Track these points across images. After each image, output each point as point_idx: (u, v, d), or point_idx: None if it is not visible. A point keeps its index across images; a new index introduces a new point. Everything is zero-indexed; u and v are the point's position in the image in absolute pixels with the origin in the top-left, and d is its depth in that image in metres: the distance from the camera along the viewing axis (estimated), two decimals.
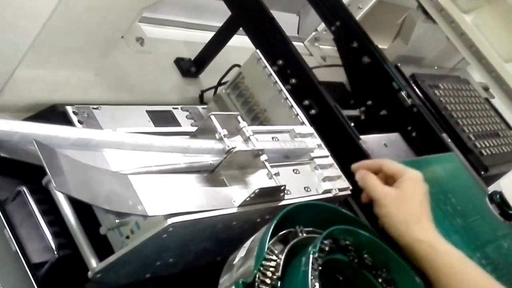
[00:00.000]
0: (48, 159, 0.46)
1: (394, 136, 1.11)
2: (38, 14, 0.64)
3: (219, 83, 1.06)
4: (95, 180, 0.51)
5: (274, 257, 0.58)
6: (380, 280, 0.65)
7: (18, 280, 0.67)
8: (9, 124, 0.47)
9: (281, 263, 0.58)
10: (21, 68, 0.74)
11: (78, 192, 0.47)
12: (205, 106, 0.96)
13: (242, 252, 0.60)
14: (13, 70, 0.71)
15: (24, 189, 0.66)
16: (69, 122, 0.72)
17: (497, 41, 0.94)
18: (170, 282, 0.70)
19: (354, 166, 0.78)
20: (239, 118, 0.69)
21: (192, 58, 1.15)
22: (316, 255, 0.57)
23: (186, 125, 0.89)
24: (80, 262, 0.64)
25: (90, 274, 0.60)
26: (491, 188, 0.99)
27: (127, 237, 0.62)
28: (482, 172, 1.17)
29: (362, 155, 0.91)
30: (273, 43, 1.00)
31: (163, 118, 0.86)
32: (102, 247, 0.65)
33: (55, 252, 0.65)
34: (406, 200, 0.72)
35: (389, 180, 0.76)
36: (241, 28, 1.07)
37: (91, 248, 0.61)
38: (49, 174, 0.46)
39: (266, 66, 0.89)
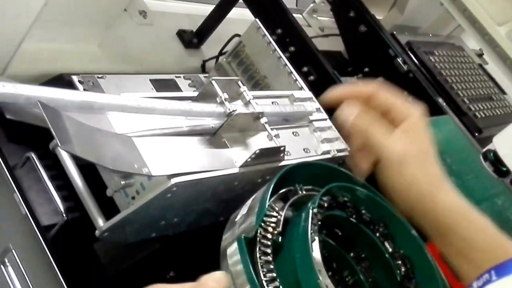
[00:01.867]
0: (53, 120, 0.45)
1: None
2: None
3: (220, 53, 1.05)
4: (101, 141, 0.50)
5: (274, 214, 0.57)
6: (377, 235, 0.64)
7: (28, 242, 0.67)
8: (14, 87, 0.46)
9: (282, 219, 0.57)
10: (27, 41, 0.73)
11: (84, 152, 0.47)
12: (206, 75, 0.95)
13: (243, 210, 0.59)
14: (20, 42, 0.70)
15: (33, 155, 0.66)
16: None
17: (490, 5, 0.92)
18: (175, 241, 0.70)
19: (331, 94, 0.58)
20: (239, 83, 0.68)
21: (194, 30, 1.14)
22: (316, 210, 0.56)
23: (189, 92, 0.88)
24: (88, 224, 0.64)
25: (97, 232, 0.59)
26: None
27: (133, 198, 0.61)
28: (476, 134, 1.16)
29: None
30: (271, 13, 0.99)
31: (166, 86, 0.85)
32: (109, 209, 0.65)
33: (64, 215, 0.65)
34: (428, 155, 0.56)
35: (382, 116, 0.59)
36: (240, 1, 1.06)
37: (98, 209, 0.61)
38: (53, 133, 0.45)
39: (265, 35, 0.88)
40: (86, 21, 0.84)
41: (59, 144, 0.44)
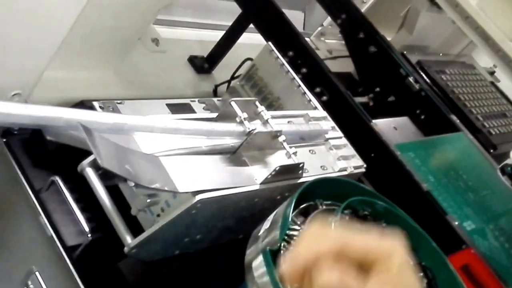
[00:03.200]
0: (92, 141, 0.50)
1: (403, 120, 1.14)
2: (68, 13, 0.68)
3: (232, 77, 1.09)
4: (131, 160, 0.54)
5: (297, 227, 0.61)
6: None
7: (53, 263, 0.70)
8: (55, 110, 0.51)
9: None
10: (49, 70, 0.78)
11: (122, 170, 0.51)
12: (220, 99, 1.00)
13: (266, 225, 0.63)
14: (43, 71, 0.75)
15: (58, 178, 0.70)
16: None
17: (502, 21, 0.96)
18: (197, 258, 0.73)
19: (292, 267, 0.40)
20: (257, 103, 0.73)
21: (205, 56, 1.19)
22: (337, 223, 0.59)
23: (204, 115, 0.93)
24: (112, 243, 0.67)
25: (126, 249, 0.63)
26: None
27: (158, 215, 0.65)
28: (491, 150, 1.20)
29: (374, 135, 0.94)
30: (283, 36, 1.03)
31: (181, 110, 0.90)
32: (132, 229, 0.68)
33: (89, 235, 0.68)
34: None
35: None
36: (250, 26, 1.11)
37: (126, 227, 0.64)
38: (95, 153, 0.49)
39: (278, 57, 0.93)
40: (103, 50, 0.89)
41: (102, 163, 0.48)
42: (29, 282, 0.74)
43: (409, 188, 0.91)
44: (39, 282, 0.73)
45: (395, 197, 0.89)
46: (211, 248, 0.75)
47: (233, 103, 0.68)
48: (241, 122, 0.68)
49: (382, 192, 0.92)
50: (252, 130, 0.67)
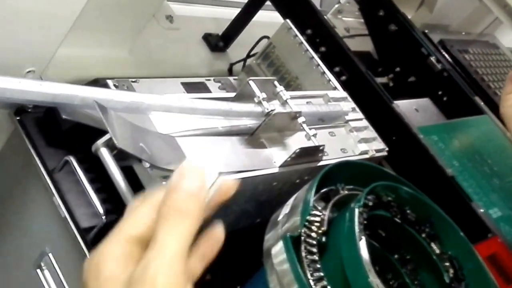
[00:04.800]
0: (108, 120, 0.49)
1: (425, 101, 1.12)
2: None
3: (248, 55, 1.08)
4: (147, 140, 0.53)
5: (318, 213, 0.60)
6: (423, 235, 0.65)
7: (66, 245, 0.70)
8: (70, 88, 0.49)
9: (326, 218, 0.59)
10: (62, 47, 0.77)
11: (137, 151, 0.50)
12: (236, 77, 0.98)
13: (286, 209, 0.62)
14: (56, 48, 0.74)
15: (71, 158, 0.69)
16: None
17: None
18: None
19: None
20: (275, 83, 0.71)
21: (220, 34, 1.17)
22: (361, 209, 0.58)
23: (219, 94, 0.91)
24: None
25: None
26: None
27: None
28: None
29: (396, 117, 0.92)
30: (301, 14, 1.01)
31: (196, 89, 0.88)
32: None
33: (103, 217, 0.68)
34: None
35: None
36: (266, 3, 1.09)
37: None
38: (110, 132, 0.48)
39: (296, 35, 0.91)
40: (117, 28, 0.88)
41: (118, 144, 0.47)
42: (42, 264, 0.74)
43: (432, 173, 0.89)
44: (52, 263, 0.72)
45: (417, 182, 0.87)
46: (228, 232, 0.73)
47: (251, 83, 0.67)
48: (259, 103, 0.66)
49: (404, 176, 0.90)
50: (271, 110, 0.66)
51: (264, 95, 0.67)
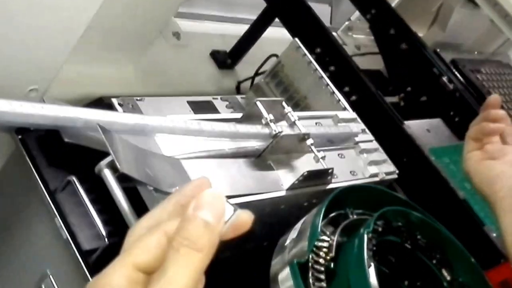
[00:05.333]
0: (111, 143, 0.48)
1: (436, 122, 1.11)
2: (86, 8, 0.66)
3: (256, 73, 1.07)
4: (151, 163, 0.52)
5: (326, 238, 0.59)
6: (434, 262, 0.65)
7: (69, 267, 0.69)
8: (73, 110, 0.49)
9: (334, 243, 0.58)
10: (67, 65, 0.76)
11: (141, 175, 0.49)
12: (243, 96, 0.97)
13: (293, 234, 0.61)
14: (62, 64, 0.74)
15: (74, 178, 0.68)
16: None
17: None
18: (217, 266, 0.71)
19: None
20: (283, 103, 0.70)
21: (228, 51, 1.17)
22: (370, 235, 0.57)
23: (226, 114, 0.91)
24: None
25: None
26: None
27: None
28: None
29: (407, 138, 0.91)
30: (310, 32, 1.01)
31: (203, 108, 0.88)
32: None
33: (106, 239, 0.66)
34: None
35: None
36: (275, 20, 1.09)
37: None
38: (113, 156, 0.47)
39: (305, 54, 0.90)
40: (123, 45, 0.88)
41: (121, 169, 0.46)
42: (43, 286, 0.73)
43: (444, 196, 0.88)
44: (53, 285, 0.71)
45: (428, 205, 0.86)
46: (233, 255, 0.72)
47: (258, 103, 0.66)
48: (267, 124, 0.66)
49: (415, 199, 0.89)
50: (279, 132, 0.65)
51: (271, 116, 0.66)
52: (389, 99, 1.12)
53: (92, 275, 0.67)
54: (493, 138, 0.72)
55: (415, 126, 1.02)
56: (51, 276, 0.71)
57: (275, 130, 0.65)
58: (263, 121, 0.66)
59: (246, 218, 0.37)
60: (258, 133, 0.66)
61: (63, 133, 0.50)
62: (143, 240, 0.37)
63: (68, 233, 0.68)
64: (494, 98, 0.74)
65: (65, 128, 0.50)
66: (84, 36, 0.72)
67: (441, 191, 0.89)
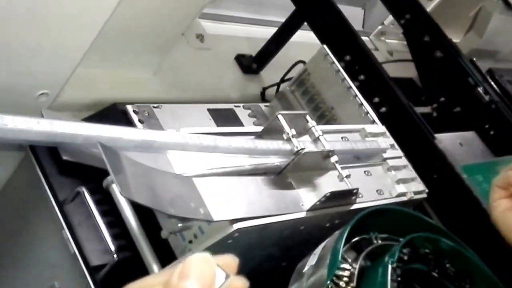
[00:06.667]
0: (113, 163, 0.45)
1: (470, 135, 1.06)
2: (99, 12, 0.63)
3: (282, 80, 1.03)
4: (159, 183, 0.49)
5: (347, 266, 0.55)
6: None
7: (76, 282, 0.66)
8: (72, 126, 0.46)
9: (356, 272, 0.54)
10: (81, 67, 0.74)
11: (142, 197, 0.46)
12: (267, 104, 0.94)
13: (312, 260, 0.57)
14: (74, 69, 0.71)
15: (84, 189, 0.66)
16: (130, 121, 0.71)
17: None
18: None
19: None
20: (307, 117, 0.66)
21: (253, 55, 1.13)
22: (395, 265, 0.53)
23: (249, 124, 0.87)
24: (140, 265, 0.63)
25: None
26: None
27: (190, 242, 0.60)
28: None
29: (438, 155, 0.87)
30: (340, 38, 0.97)
31: (224, 116, 0.84)
32: (163, 251, 0.63)
33: (115, 255, 0.64)
34: None
35: None
36: (303, 23, 1.05)
37: (153, 252, 0.59)
38: (114, 179, 0.44)
39: (333, 62, 0.86)
40: (142, 47, 0.85)
41: (121, 192, 0.43)
42: None
43: (475, 217, 0.83)
44: None
45: (458, 227, 0.82)
46: (249, 276, 0.69)
47: (280, 117, 0.62)
48: (288, 139, 0.62)
49: (444, 220, 0.85)
50: (301, 149, 0.61)
51: (293, 131, 0.62)
52: (421, 110, 1.08)
53: None
54: None
55: (447, 140, 0.97)
56: None
57: (297, 147, 0.62)
58: (285, 136, 0.62)
59: (240, 287, 0.33)
60: (279, 150, 0.62)
61: (61, 150, 0.47)
62: None
63: (76, 246, 0.66)
64: None
65: (64, 145, 0.47)
66: (99, 38, 0.69)
67: (473, 211, 0.84)
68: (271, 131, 0.64)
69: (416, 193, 0.75)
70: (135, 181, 0.47)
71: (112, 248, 0.64)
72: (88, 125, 0.47)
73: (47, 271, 0.71)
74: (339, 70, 0.85)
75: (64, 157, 0.48)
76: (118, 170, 0.45)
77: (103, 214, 0.67)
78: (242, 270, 0.66)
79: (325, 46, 0.87)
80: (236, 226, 0.54)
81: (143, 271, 0.62)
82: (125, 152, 0.49)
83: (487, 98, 1.04)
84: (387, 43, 1.52)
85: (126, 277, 0.66)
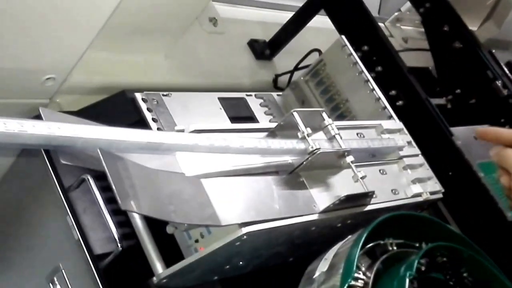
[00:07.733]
0: (114, 170, 0.41)
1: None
2: None
3: (296, 68, 0.99)
4: (164, 188, 0.46)
5: (361, 275, 0.51)
6: None
7: (80, 267, 0.64)
8: (72, 128, 0.41)
9: (370, 282, 0.51)
10: (91, 50, 0.70)
11: (144, 207, 0.42)
12: (280, 93, 0.89)
13: (323, 266, 0.54)
14: (83, 53, 0.67)
15: (89, 176, 0.62)
16: (138, 110, 0.68)
17: None
18: (238, 282, 0.64)
19: (480, 131, 0.64)
20: (323, 114, 0.62)
21: (267, 40, 1.08)
22: (412, 277, 0.49)
23: (260, 113, 0.83)
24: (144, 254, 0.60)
25: (155, 279, 0.55)
26: None
27: (196, 241, 0.57)
28: None
29: (455, 152, 0.83)
30: (358, 27, 0.92)
31: (235, 106, 0.80)
32: (168, 246, 0.60)
33: (119, 244, 0.61)
34: None
35: None
36: (320, 10, 1.00)
37: (157, 251, 0.56)
38: (114, 191, 0.41)
39: (351, 54, 0.82)
40: (155, 29, 0.80)
41: (121, 206, 0.40)
42: (55, 278, 0.68)
43: (491, 216, 0.80)
44: (65, 279, 0.66)
45: (473, 227, 0.78)
46: (256, 270, 0.66)
47: (295, 114, 0.58)
48: (303, 138, 0.58)
49: (459, 219, 0.82)
50: (316, 149, 0.57)
51: (309, 130, 0.58)
52: (436, 101, 1.04)
53: (102, 281, 0.62)
54: None
55: (461, 133, 0.93)
56: (63, 271, 0.67)
57: (312, 147, 0.57)
58: (299, 135, 0.58)
59: None
60: (293, 149, 0.58)
61: (60, 153, 0.43)
62: None
63: (80, 234, 0.63)
64: None
65: (63, 148, 0.43)
66: (111, 21, 0.65)
67: (489, 211, 0.81)
68: (285, 127, 0.60)
69: (432, 193, 0.71)
70: (138, 188, 0.43)
71: (116, 236, 0.61)
72: (89, 128, 0.43)
73: (53, 253, 0.69)
74: (356, 62, 0.80)
75: (63, 161, 0.44)
76: (119, 178, 0.42)
77: (107, 201, 0.64)
78: (248, 267, 0.63)
79: (343, 37, 0.83)
80: (245, 230, 0.50)
81: (147, 261, 0.59)
82: (130, 155, 0.45)
83: (505, 92, 1.00)
84: (402, 29, 1.46)
85: (130, 266, 0.64)
